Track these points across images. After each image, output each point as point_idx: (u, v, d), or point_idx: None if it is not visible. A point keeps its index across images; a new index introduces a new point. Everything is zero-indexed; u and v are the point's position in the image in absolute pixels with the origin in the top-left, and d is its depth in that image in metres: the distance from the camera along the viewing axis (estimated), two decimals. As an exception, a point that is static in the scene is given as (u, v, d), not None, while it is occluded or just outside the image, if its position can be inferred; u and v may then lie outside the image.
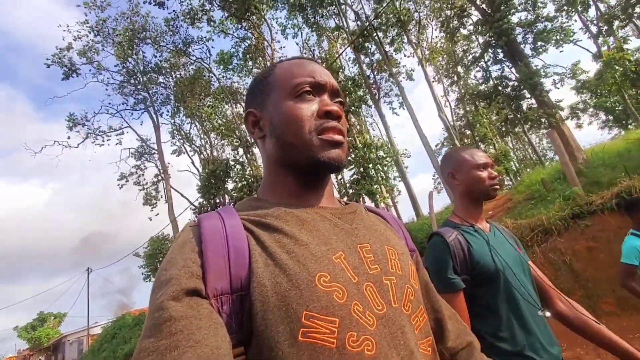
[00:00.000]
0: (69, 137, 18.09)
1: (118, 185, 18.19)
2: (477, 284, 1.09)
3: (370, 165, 13.66)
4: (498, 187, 1.25)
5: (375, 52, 16.54)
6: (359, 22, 16.10)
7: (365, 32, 14.43)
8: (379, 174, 13.64)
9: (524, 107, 10.66)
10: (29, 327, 33.58)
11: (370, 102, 15.46)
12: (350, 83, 13.28)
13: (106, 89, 20.09)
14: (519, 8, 10.15)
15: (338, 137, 0.58)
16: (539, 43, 9.92)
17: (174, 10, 17.15)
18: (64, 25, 18.22)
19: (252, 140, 18.75)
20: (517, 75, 10.33)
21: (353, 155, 13.25)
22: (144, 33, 18.46)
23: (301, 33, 19.69)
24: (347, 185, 14.53)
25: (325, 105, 0.59)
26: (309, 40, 20.37)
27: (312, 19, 17.93)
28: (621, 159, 7.42)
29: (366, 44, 15.35)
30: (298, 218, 0.55)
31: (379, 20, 14.73)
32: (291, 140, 0.58)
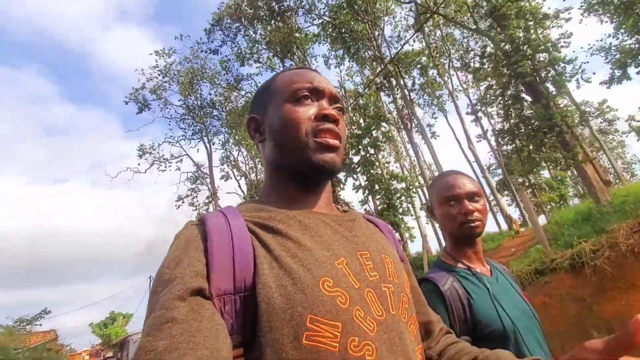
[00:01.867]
0: (138, 164, 21.28)
1: (175, 205, 20.83)
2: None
3: (395, 197, 14.25)
4: (475, 223, 1.03)
5: (409, 83, 17.31)
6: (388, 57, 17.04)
7: (387, 73, 15.30)
8: (402, 205, 14.16)
9: (547, 145, 10.64)
10: (102, 324, 38.28)
11: (396, 135, 16.07)
12: (373, 120, 14.16)
13: (169, 123, 23.30)
14: (539, 49, 10.35)
15: (333, 141, 0.60)
16: (560, 83, 9.99)
17: (226, 56, 19.65)
18: (139, 69, 21.78)
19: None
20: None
21: (377, 187, 13.98)
22: (202, 73, 21.38)
23: (343, 63, 21.14)
24: (373, 214, 15.19)
25: (323, 109, 0.61)
26: (351, 68, 21.76)
27: (353, 50, 19.26)
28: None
29: (395, 80, 16.14)
30: (301, 223, 0.55)
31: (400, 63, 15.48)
32: (287, 141, 0.59)
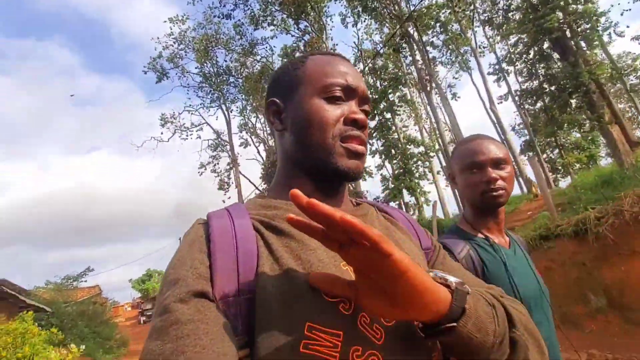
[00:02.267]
0: (161, 133, 22.00)
1: (198, 172, 21.67)
2: None
3: (412, 162, 14.19)
4: (498, 192, 0.99)
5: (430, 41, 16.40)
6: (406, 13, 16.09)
7: (405, 32, 14.53)
8: (419, 170, 14.13)
9: (573, 106, 10.13)
10: (140, 280, 41.85)
11: (416, 97, 15.60)
12: (390, 83, 13.77)
13: (187, 92, 23.57)
14: (567, 1, 9.53)
15: (361, 148, 0.58)
16: (591, 38, 9.27)
17: (239, 19, 19.20)
18: (155, 38, 21.77)
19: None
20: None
21: (393, 152, 13.93)
22: (217, 39, 21.11)
23: (360, 21, 20.20)
24: (389, 179, 15.28)
25: (353, 112, 0.58)
26: (370, 26, 20.79)
27: (371, 5, 18.28)
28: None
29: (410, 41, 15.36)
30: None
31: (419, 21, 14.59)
32: (313, 141, 0.56)
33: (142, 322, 31.76)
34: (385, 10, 17.48)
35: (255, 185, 21.12)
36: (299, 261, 0.47)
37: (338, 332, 0.42)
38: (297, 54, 21.58)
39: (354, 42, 20.22)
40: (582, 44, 9.67)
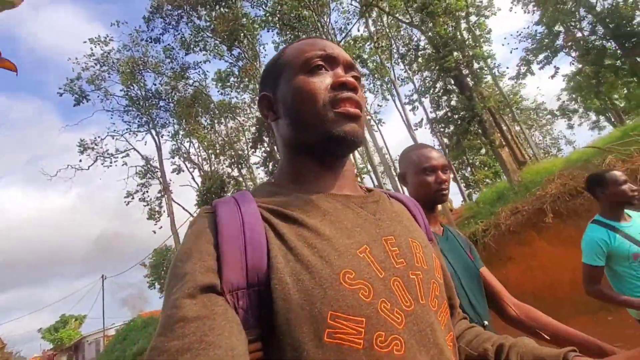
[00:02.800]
0: (80, 160, 20.07)
1: (124, 202, 20.09)
2: None
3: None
4: (445, 192, 1.21)
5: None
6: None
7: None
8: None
9: (472, 132, 11.91)
10: (52, 329, 36.21)
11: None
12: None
13: (111, 117, 22.09)
14: (462, 45, 11.38)
15: (354, 110, 0.55)
16: (479, 77, 11.17)
17: (169, 43, 18.89)
18: (73, 58, 20.20)
19: (250, 153, 20.40)
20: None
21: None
22: (145, 62, 20.34)
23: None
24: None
25: (339, 76, 0.56)
26: None
27: (301, 35, 19.35)
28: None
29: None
30: (319, 208, 0.52)
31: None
32: (303, 116, 0.55)
33: None
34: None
35: (190, 213, 20.24)
36: (315, 249, 0.46)
37: (360, 319, 0.42)
38: (232, 79, 21.81)
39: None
40: (476, 80, 11.54)
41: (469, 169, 22.41)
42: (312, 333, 0.41)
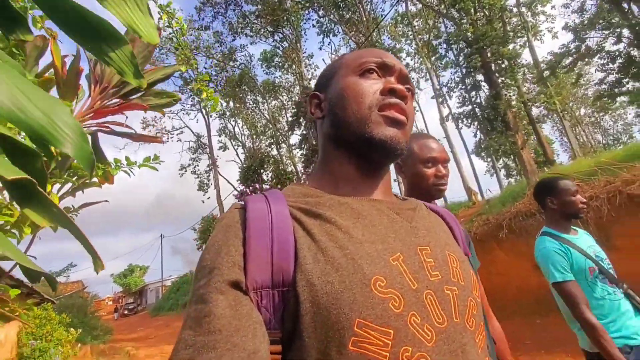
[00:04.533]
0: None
1: (179, 174, 22.88)
2: None
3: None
4: (443, 187, 1.16)
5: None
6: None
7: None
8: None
9: (497, 130, 12.02)
10: (122, 275, 42.63)
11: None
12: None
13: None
14: (494, 41, 11.34)
15: (400, 116, 0.53)
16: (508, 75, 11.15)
17: (217, 30, 20.38)
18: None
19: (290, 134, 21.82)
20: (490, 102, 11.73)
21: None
22: (197, 46, 22.21)
23: (333, 32, 21.63)
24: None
25: (390, 83, 0.55)
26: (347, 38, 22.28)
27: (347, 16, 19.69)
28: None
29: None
30: (353, 210, 0.50)
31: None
32: (347, 115, 0.54)
33: (116, 317, 32.22)
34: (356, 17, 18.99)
35: (233, 186, 22.47)
36: (346, 251, 0.44)
37: (388, 330, 0.40)
38: (276, 59, 22.95)
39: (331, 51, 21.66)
40: (504, 79, 11.52)
41: (511, 156, 21.83)
42: (337, 339, 0.39)
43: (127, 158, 1.72)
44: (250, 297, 0.42)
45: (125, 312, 33.49)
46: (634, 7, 8.34)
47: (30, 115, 0.29)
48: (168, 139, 23.05)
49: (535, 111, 14.68)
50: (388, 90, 0.54)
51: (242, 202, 0.51)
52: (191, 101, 23.61)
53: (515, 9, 12.98)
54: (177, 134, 23.22)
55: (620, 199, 4.20)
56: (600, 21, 8.89)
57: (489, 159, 20.95)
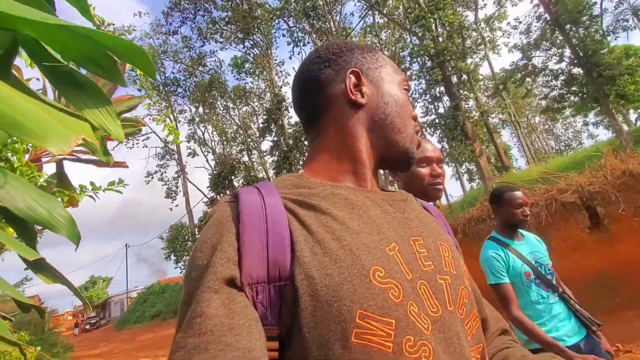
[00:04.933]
0: (106, 140, 21.99)
1: (145, 181, 22.15)
2: None
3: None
4: (440, 187, 1.15)
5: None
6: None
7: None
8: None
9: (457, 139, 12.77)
10: (83, 287, 40.35)
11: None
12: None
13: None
14: (454, 56, 12.09)
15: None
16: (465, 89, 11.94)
17: (186, 35, 20.09)
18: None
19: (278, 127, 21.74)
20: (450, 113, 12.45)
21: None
22: (165, 51, 21.76)
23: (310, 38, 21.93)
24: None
25: (415, 117, 0.62)
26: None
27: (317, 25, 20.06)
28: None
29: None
30: (347, 201, 0.50)
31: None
32: (400, 125, 0.57)
33: (76, 333, 29.83)
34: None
35: (203, 193, 22.08)
36: (344, 242, 0.44)
37: (390, 321, 0.40)
38: (247, 65, 22.92)
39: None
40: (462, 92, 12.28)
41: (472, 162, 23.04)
42: (340, 332, 0.39)
43: (92, 183, 1.83)
44: (245, 293, 0.41)
45: (87, 326, 31.69)
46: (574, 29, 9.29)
47: (37, 212, 0.46)
48: (133, 145, 22.30)
49: (495, 120, 15.77)
50: (415, 117, 0.62)
51: (233, 196, 0.49)
52: (158, 106, 23.05)
53: (474, 25, 13.92)
54: (142, 140, 22.50)
55: (555, 205, 4.70)
56: (544, 42, 9.83)
57: (452, 165, 22.21)
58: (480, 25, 15.21)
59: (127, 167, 1.89)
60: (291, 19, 20.19)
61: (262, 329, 0.40)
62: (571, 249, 4.42)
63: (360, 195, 0.52)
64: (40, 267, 0.48)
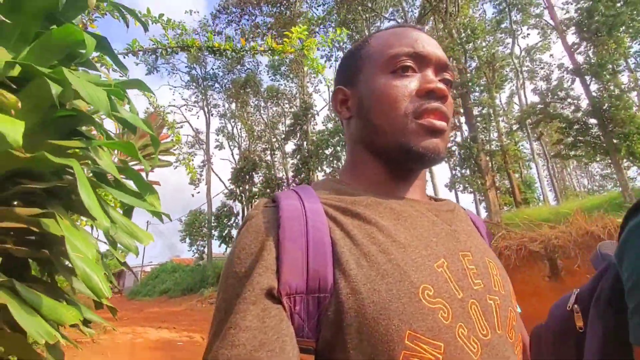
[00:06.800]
0: (144, 123, 23.82)
1: (173, 166, 23.58)
2: None
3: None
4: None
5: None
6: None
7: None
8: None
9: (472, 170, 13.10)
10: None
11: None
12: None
13: (173, 93, 25.42)
14: (477, 89, 12.47)
15: (440, 124, 0.48)
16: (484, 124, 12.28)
17: (229, 36, 21.40)
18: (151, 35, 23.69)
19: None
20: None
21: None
22: (210, 43, 23.20)
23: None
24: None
25: (427, 82, 0.49)
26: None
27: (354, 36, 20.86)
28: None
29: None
30: (392, 210, 0.47)
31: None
32: (381, 123, 0.49)
33: None
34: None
35: (225, 185, 23.31)
36: (391, 256, 0.41)
37: (439, 344, 0.38)
38: (283, 68, 23.98)
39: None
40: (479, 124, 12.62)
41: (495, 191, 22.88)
42: (387, 353, 0.36)
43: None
44: (282, 303, 0.39)
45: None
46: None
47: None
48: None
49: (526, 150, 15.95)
50: (426, 92, 0.48)
51: (272, 200, 0.47)
52: (195, 97, 24.60)
53: (509, 58, 14.17)
54: (177, 128, 24.04)
55: (524, 251, 5.19)
56: (560, 92, 10.05)
57: (470, 191, 22.21)
58: (516, 56, 15.41)
59: (159, 184, 2.59)
60: (330, 29, 21.08)
61: (296, 345, 0.38)
62: (531, 294, 4.88)
63: (405, 205, 0.49)
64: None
